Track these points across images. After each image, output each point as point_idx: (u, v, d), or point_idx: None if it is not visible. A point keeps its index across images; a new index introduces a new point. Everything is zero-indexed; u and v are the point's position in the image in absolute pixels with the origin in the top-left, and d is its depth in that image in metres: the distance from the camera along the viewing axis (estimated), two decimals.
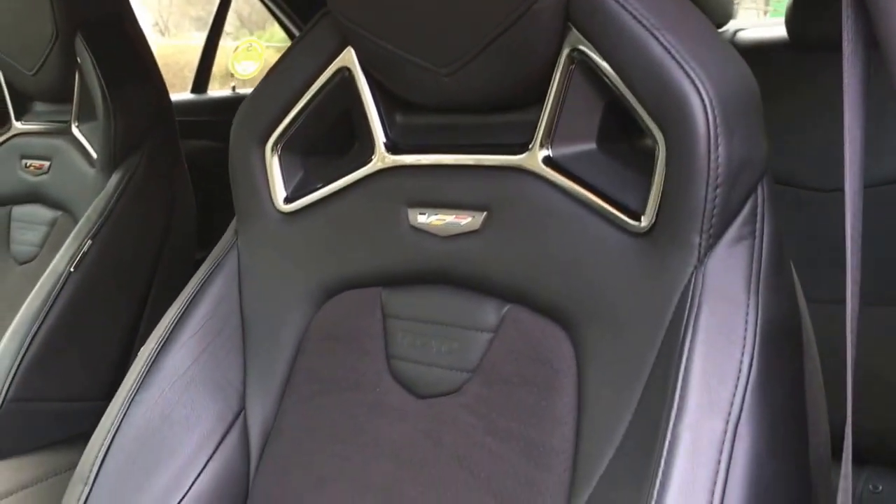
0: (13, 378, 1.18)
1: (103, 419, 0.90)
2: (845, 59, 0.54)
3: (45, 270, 1.30)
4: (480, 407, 0.78)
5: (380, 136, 0.86)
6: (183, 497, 0.87)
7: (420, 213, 0.83)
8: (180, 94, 2.51)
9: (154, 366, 0.91)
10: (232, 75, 2.57)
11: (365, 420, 0.84)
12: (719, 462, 0.57)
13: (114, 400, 0.90)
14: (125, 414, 0.89)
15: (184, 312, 0.93)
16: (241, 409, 0.92)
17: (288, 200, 0.92)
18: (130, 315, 1.33)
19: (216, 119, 2.04)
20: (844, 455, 0.55)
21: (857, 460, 1.26)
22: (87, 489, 0.86)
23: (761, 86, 0.71)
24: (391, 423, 0.83)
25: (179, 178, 1.45)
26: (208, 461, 0.89)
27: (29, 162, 1.51)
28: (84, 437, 0.91)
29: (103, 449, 0.88)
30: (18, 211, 1.53)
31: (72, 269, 1.24)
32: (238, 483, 0.90)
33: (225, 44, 2.71)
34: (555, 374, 0.74)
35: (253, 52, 2.51)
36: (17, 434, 1.18)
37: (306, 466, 0.86)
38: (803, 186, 1.50)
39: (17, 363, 1.19)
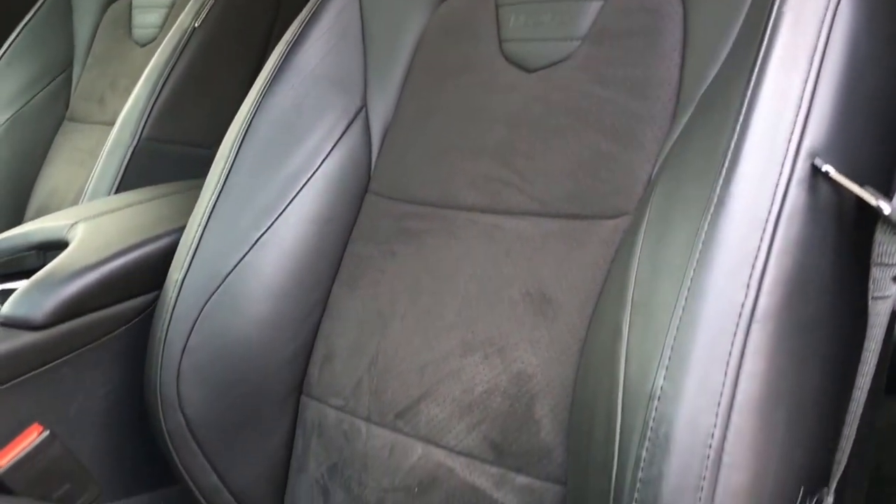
0: (147, 118, 1.29)
1: (241, 108, 0.99)
2: None
3: None
4: (590, 63, 0.84)
5: None
6: (312, 175, 0.97)
7: None
8: None
9: (284, 63, 0.99)
10: None
11: (479, 97, 0.92)
12: (820, 31, 0.63)
13: (249, 94, 1.00)
14: (260, 103, 0.98)
15: (309, 19, 1.01)
16: (363, 106, 1.00)
17: None
18: (249, 72, 1.41)
19: None
20: None
21: None
22: (227, 165, 0.97)
23: None
24: (504, 96, 0.90)
25: None
26: (334, 147, 0.98)
27: None
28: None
29: (242, 131, 0.97)
30: None
31: (196, 25, 1.34)
32: (361, 166, 0.99)
33: None
34: (661, 19, 0.80)
35: None
36: (148, 171, 1.30)
37: (425, 144, 0.94)
38: None
39: (150, 105, 1.30)
